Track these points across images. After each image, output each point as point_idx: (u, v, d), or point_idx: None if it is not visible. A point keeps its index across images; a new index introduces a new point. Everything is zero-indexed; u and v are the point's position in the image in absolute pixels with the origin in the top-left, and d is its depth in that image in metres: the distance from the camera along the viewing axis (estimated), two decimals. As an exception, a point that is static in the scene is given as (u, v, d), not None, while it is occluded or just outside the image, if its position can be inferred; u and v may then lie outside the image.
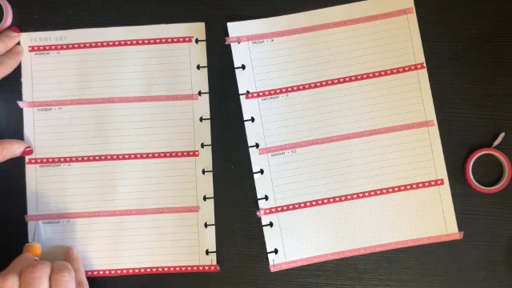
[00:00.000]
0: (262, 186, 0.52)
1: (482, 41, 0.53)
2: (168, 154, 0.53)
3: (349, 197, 0.52)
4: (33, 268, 0.44)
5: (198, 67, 0.53)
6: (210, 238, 0.52)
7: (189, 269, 0.52)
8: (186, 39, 0.54)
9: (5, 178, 0.53)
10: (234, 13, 0.54)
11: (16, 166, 0.53)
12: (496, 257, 0.52)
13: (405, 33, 0.53)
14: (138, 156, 0.53)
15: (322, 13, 0.53)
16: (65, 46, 0.54)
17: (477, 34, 0.53)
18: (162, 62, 0.53)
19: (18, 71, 0.53)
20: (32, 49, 0.54)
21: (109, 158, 0.53)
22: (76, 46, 0.54)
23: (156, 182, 0.53)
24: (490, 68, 0.53)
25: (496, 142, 0.52)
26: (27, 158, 0.53)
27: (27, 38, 0.54)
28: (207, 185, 0.53)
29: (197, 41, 0.54)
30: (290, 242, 0.52)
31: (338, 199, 0.52)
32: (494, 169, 0.53)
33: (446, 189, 0.52)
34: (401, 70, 0.53)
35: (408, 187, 0.52)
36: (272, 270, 0.52)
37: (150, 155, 0.53)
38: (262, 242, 0.52)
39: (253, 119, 0.53)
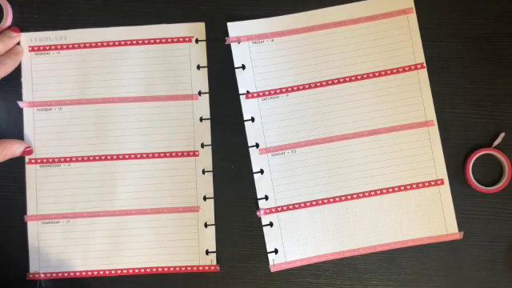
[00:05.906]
0: (262, 186, 0.52)
1: (482, 41, 0.53)
2: (168, 154, 0.53)
3: (349, 197, 0.52)
4: None
5: (198, 67, 0.53)
6: (209, 238, 0.52)
7: (189, 269, 0.52)
8: (186, 39, 0.54)
9: (5, 178, 0.53)
10: (234, 13, 0.54)
11: (16, 166, 0.53)
12: (496, 257, 0.52)
13: (405, 33, 0.53)
14: (138, 156, 0.53)
15: (322, 13, 0.53)
16: (65, 46, 0.54)
17: (477, 33, 0.53)
18: (161, 62, 0.53)
19: (18, 71, 0.53)
20: (32, 49, 0.54)
21: (109, 158, 0.53)
22: (76, 46, 0.54)
23: (156, 182, 0.53)
24: (489, 68, 0.53)
25: (496, 142, 0.52)
26: (27, 157, 0.53)
27: (27, 38, 0.54)
28: (207, 185, 0.53)
29: (197, 41, 0.54)
30: (289, 242, 0.52)
31: (337, 199, 0.52)
32: (494, 169, 0.53)
33: (446, 189, 0.52)
34: (401, 70, 0.53)
35: (408, 187, 0.52)
36: (272, 270, 0.52)
37: (150, 155, 0.53)
38: (262, 241, 0.52)
39: (253, 119, 0.53)
